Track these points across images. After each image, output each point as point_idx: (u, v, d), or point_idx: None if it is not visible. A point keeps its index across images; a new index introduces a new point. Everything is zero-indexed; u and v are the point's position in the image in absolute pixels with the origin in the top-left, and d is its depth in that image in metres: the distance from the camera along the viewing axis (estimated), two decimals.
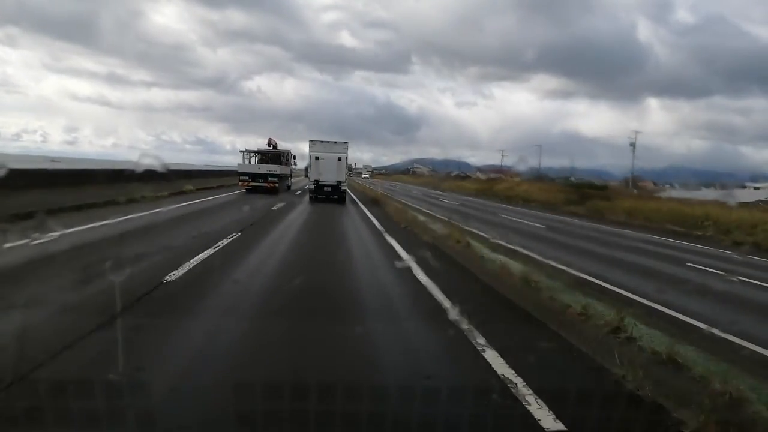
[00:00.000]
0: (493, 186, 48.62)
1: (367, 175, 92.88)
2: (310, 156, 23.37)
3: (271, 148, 32.17)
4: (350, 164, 27.78)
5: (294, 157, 32.68)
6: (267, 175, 27.43)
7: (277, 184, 27.51)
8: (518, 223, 21.09)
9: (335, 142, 23.80)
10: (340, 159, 23.28)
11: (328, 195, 23.10)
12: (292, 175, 35.61)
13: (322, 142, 23.68)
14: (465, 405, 3.55)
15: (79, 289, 5.86)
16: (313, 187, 23.12)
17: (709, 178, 35.18)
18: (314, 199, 23.05)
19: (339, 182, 23.16)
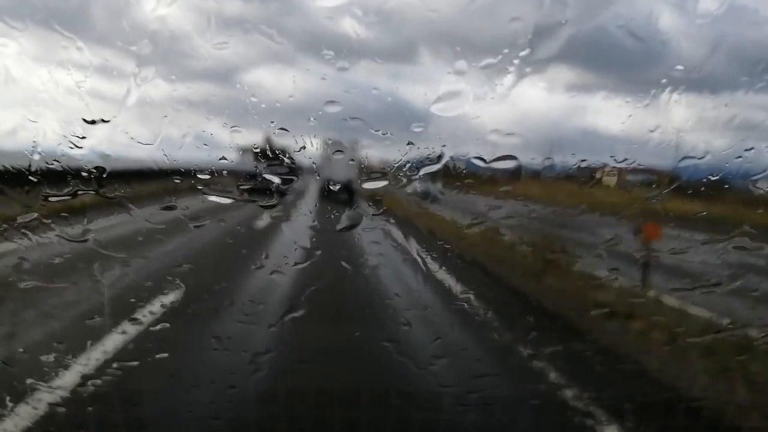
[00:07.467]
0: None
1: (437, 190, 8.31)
2: (321, 156, 23.70)
3: (269, 145, 30.29)
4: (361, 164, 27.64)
5: (291, 157, 30.39)
6: (267, 177, 25.48)
7: (280, 186, 26.80)
8: None
9: (347, 142, 24.07)
10: (352, 159, 23.55)
11: (339, 194, 23.30)
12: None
13: (334, 142, 23.99)
14: None
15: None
16: (324, 186, 23.37)
17: (728, 176, 32.40)
18: (325, 198, 23.36)
19: (350, 181, 23.37)
